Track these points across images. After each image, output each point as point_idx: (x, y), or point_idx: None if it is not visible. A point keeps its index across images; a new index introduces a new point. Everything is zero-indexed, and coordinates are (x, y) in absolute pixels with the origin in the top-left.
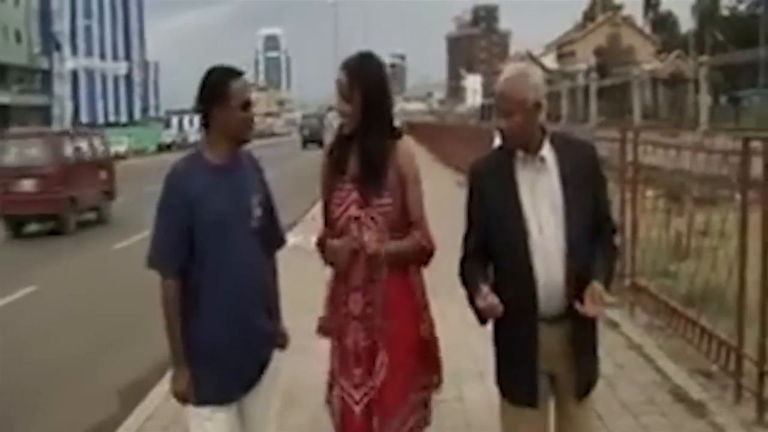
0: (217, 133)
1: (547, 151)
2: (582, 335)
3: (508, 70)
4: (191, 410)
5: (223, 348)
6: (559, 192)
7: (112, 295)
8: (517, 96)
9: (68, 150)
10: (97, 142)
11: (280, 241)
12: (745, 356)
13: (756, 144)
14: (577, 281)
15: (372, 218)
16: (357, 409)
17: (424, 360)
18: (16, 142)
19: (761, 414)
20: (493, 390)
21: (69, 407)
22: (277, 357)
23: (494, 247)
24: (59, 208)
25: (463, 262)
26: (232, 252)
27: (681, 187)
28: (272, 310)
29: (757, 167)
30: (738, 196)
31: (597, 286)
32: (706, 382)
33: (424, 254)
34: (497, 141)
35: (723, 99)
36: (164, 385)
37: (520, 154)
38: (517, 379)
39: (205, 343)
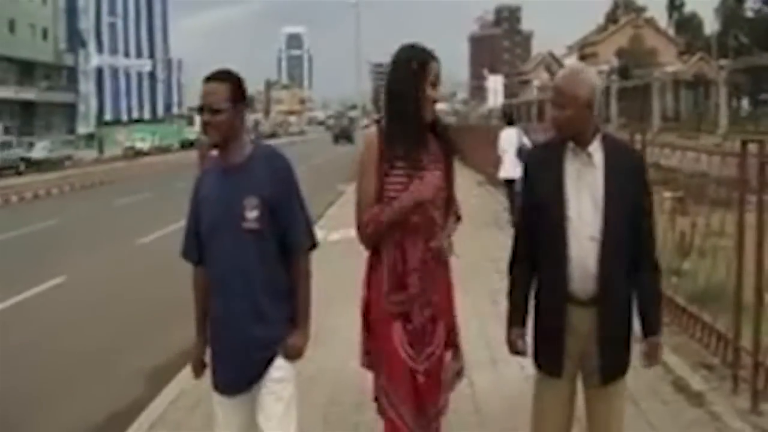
0: None
1: (595, 148)
2: (611, 322)
3: (567, 67)
4: (213, 393)
5: (218, 340)
6: (601, 188)
7: (136, 286)
8: (571, 92)
9: None
10: None
11: (308, 242)
12: (742, 349)
13: (752, 146)
14: (607, 273)
15: (433, 203)
16: (420, 376)
17: (456, 343)
18: None
19: (756, 403)
20: (504, 376)
21: (97, 391)
22: (279, 367)
23: (539, 230)
24: None
25: (512, 272)
26: (219, 254)
27: (697, 188)
28: (271, 316)
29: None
30: (753, 198)
31: (654, 341)
32: (706, 374)
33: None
34: (504, 140)
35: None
36: (188, 371)
37: (570, 145)
38: (546, 350)
39: (212, 337)
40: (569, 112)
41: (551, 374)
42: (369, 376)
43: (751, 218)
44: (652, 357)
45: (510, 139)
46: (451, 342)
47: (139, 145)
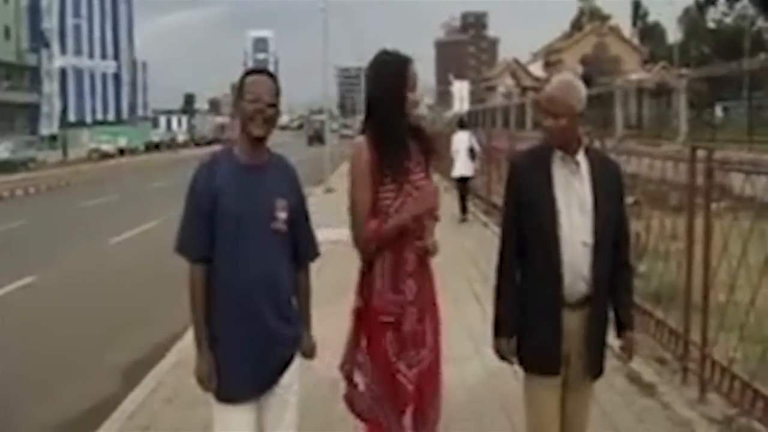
0: (241, 130)
1: (581, 157)
2: (597, 322)
3: (560, 78)
4: (213, 402)
5: (235, 341)
6: (589, 195)
7: (106, 286)
8: (568, 102)
9: None
10: None
11: (314, 254)
12: (690, 342)
13: (701, 152)
14: (598, 276)
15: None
16: (411, 388)
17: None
18: None
19: (703, 393)
20: (492, 367)
21: (75, 386)
22: (297, 365)
23: (527, 235)
24: None
25: (499, 278)
26: (247, 251)
27: (653, 193)
28: (293, 315)
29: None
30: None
31: (631, 336)
32: (659, 367)
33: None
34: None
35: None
36: (165, 364)
37: (558, 153)
38: (542, 351)
39: (223, 339)
40: (564, 122)
41: (549, 373)
42: (342, 385)
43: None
44: (630, 350)
45: (461, 141)
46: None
47: (105, 147)
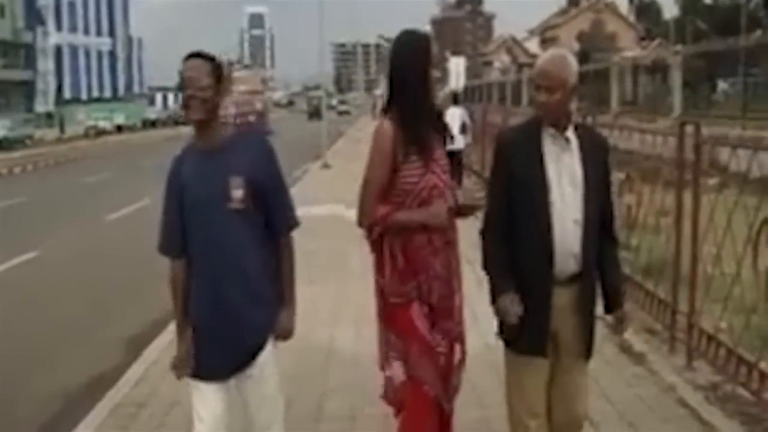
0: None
1: (571, 133)
2: (586, 299)
3: (552, 52)
4: (189, 381)
5: (207, 328)
6: (579, 171)
7: (108, 260)
8: (561, 75)
9: None
10: None
11: (292, 223)
12: (678, 312)
13: (690, 128)
14: (588, 253)
15: (445, 184)
16: (442, 360)
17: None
18: None
19: (690, 361)
20: (490, 344)
21: (77, 358)
22: (269, 349)
23: (517, 211)
24: None
25: (488, 243)
26: (208, 236)
27: (646, 168)
28: (265, 297)
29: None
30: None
31: (624, 312)
32: (648, 337)
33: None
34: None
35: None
36: (164, 338)
37: (549, 130)
38: (529, 331)
39: (194, 322)
40: (558, 96)
41: (535, 353)
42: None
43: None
44: (622, 324)
45: (454, 116)
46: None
47: (101, 124)
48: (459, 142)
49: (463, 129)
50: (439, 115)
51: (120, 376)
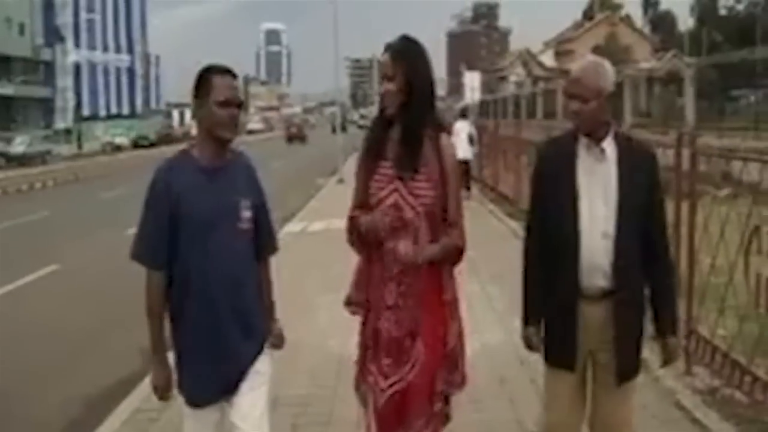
0: (202, 132)
1: (608, 144)
2: (624, 319)
3: (586, 60)
4: (182, 404)
5: (200, 355)
6: (614, 184)
7: (127, 273)
8: (595, 84)
9: None
10: None
11: (273, 248)
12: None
13: (686, 138)
14: (620, 269)
15: (417, 212)
16: (383, 398)
17: (450, 358)
18: None
19: (689, 366)
20: (517, 341)
21: (97, 365)
22: (263, 360)
23: (548, 223)
24: None
25: (525, 261)
26: (216, 256)
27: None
28: (255, 327)
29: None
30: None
31: (674, 342)
32: (651, 344)
33: (459, 254)
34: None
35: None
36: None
37: (584, 140)
38: (558, 344)
39: (187, 349)
40: (593, 105)
41: (564, 367)
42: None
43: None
44: (671, 357)
45: (462, 128)
46: (444, 374)
47: (117, 140)
48: (467, 153)
49: (471, 141)
50: (414, 135)
51: (138, 382)
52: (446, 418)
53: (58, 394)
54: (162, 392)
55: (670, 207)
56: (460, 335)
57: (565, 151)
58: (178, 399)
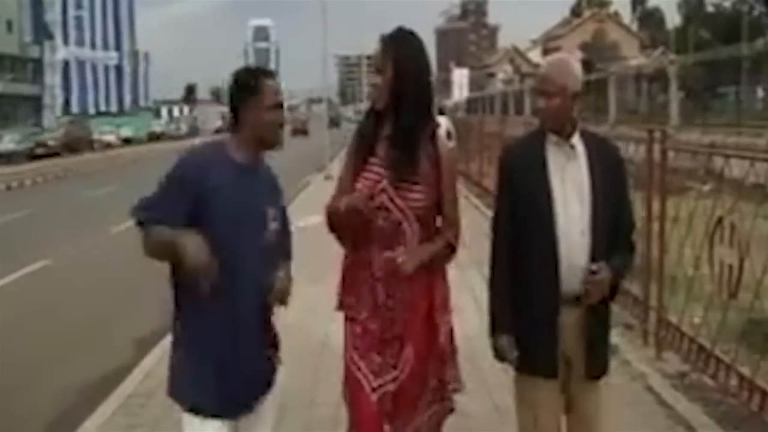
0: (245, 133)
1: (577, 141)
2: (596, 318)
3: (553, 57)
4: (184, 415)
5: (223, 364)
6: (586, 180)
7: (117, 268)
8: (560, 81)
9: None
10: None
11: (289, 253)
12: (650, 307)
13: (657, 134)
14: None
15: (406, 215)
16: (373, 397)
17: (443, 362)
18: None
19: (659, 351)
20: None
21: (89, 356)
22: (278, 377)
23: (521, 225)
24: None
25: (492, 267)
26: (236, 261)
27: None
28: (274, 341)
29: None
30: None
31: (604, 274)
32: (624, 331)
33: (452, 255)
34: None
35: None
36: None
37: (552, 138)
38: (538, 352)
39: (202, 354)
40: (557, 102)
41: (546, 375)
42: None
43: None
44: (592, 289)
45: (441, 125)
46: (437, 377)
47: (106, 138)
48: None
49: (449, 135)
50: (408, 138)
51: (129, 371)
52: (447, 411)
53: (51, 384)
54: (204, 267)
55: (655, 203)
56: (452, 343)
57: (534, 151)
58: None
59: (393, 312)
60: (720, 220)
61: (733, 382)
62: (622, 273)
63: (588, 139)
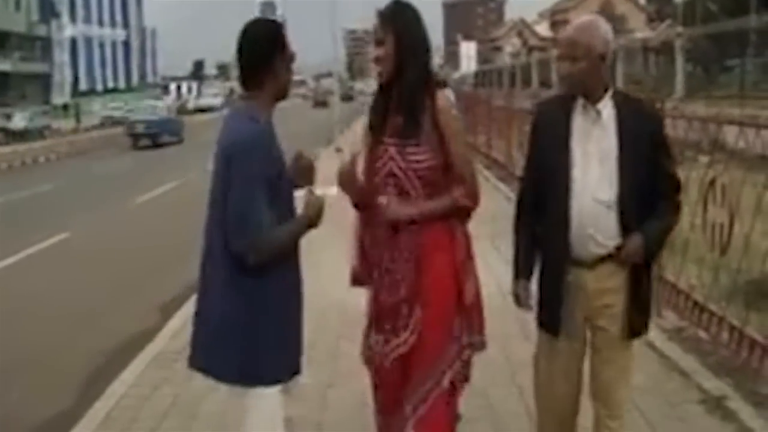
0: (270, 91)
1: (605, 105)
2: (623, 282)
3: (581, 19)
4: (253, 390)
5: (291, 325)
6: (613, 147)
7: (136, 238)
8: (585, 42)
9: None
10: None
11: None
12: None
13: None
14: (620, 231)
15: (408, 176)
16: (386, 362)
17: (466, 320)
18: None
19: (659, 309)
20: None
21: (115, 321)
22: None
23: (541, 185)
24: None
25: (516, 220)
26: (278, 215)
27: None
28: None
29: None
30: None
31: (636, 241)
32: None
33: (463, 212)
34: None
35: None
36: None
37: (581, 101)
38: (547, 309)
39: (275, 315)
40: (583, 65)
41: (550, 332)
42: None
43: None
44: (626, 254)
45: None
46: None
47: (117, 114)
48: None
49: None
50: (411, 102)
51: (156, 333)
52: (465, 378)
53: (82, 347)
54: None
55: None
56: (477, 299)
57: (561, 112)
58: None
59: (398, 274)
60: (713, 182)
61: (725, 334)
62: (657, 237)
63: (621, 102)
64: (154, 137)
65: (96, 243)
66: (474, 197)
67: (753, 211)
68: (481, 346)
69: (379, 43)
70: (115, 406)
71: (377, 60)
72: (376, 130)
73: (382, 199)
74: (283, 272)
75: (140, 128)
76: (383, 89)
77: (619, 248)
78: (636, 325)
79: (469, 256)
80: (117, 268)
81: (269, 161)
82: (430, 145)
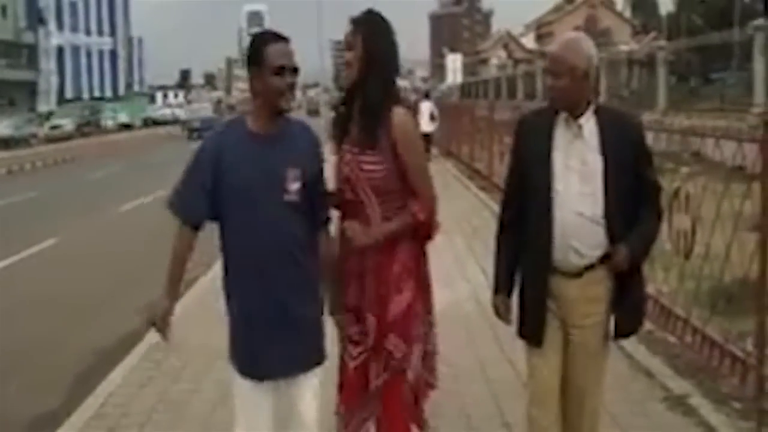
0: (258, 102)
1: (586, 120)
2: (602, 292)
3: (565, 36)
4: (232, 375)
5: (253, 321)
6: (596, 161)
7: (123, 244)
8: (569, 61)
9: None
10: None
11: (328, 216)
12: None
13: None
14: (597, 245)
15: (361, 183)
16: (351, 364)
17: (395, 329)
18: None
19: None
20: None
21: (104, 322)
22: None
23: (524, 198)
24: None
25: (498, 231)
26: (257, 223)
27: None
28: (315, 294)
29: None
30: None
31: (622, 251)
32: None
33: (422, 229)
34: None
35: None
36: (188, 297)
37: (563, 115)
38: (528, 318)
39: (238, 312)
40: (565, 82)
41: (532, 343)
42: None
43: None
44: (619, 262)
45: (426, 107)
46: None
47: (103, 122)
48: (429, 127)
49: (432, 117)
50: (371, 109)
51: (145, 334)
52: (430, 386)
53: (71, 347)
54: (162, 329)
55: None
56: (426, 311)
57: (543, 125)
58: (187, 339)
59: (364, 281)
60: (677, 192)
61: (689, 336)
62: (642, 245)
63: (604, 117)
64: (201, 131)
65: (84, 248)
66: (429, 211)
67: (713, 219)
68: (400, 368)
69: (349, 47)
70: (104, 403)
71: (346, 64)
72: (337, 136)
73: (349, 224)
74: (245, 280)
75: (196, 124)
76: (347, 95)
77: (602, 258)
78: (625, 327)
79: (407, 269)
80: (105, 270)
81: (209, 152)
82: (384, 156)
